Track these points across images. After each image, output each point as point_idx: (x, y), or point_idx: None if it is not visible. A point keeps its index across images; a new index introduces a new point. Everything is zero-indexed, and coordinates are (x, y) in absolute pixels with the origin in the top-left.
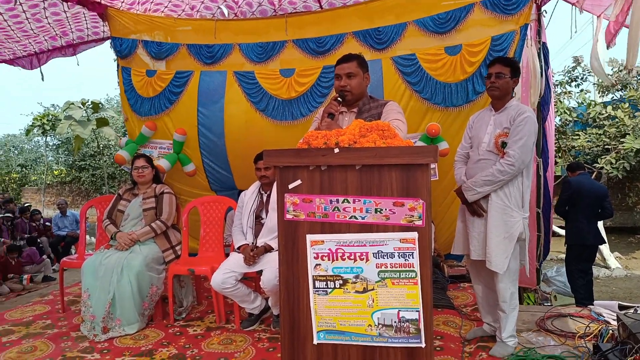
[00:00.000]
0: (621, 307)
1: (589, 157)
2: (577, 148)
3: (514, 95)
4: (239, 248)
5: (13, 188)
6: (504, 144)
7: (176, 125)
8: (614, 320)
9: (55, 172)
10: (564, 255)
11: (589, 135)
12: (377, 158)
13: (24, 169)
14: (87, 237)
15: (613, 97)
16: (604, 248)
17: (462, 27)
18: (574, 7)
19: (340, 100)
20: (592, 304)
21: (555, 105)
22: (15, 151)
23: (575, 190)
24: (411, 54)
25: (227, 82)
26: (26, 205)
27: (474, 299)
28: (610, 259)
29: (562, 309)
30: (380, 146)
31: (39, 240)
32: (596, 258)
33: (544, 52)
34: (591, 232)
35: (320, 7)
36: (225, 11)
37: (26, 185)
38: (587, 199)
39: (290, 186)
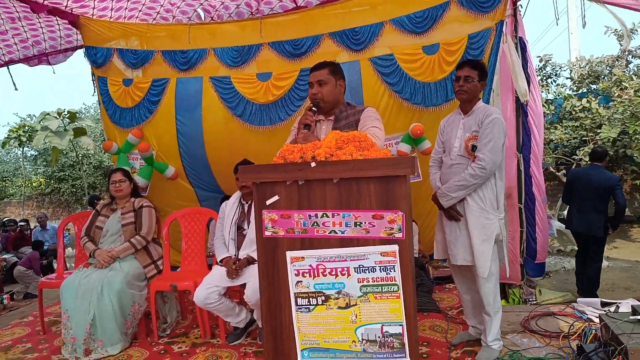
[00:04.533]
0: (603, 304)
1: (567, 149)
2: (555, 141)
3: (492, 91)
4: (221, 261)
5: None
6: (474, 148)
7: (157, 135)
8: (597, 318)
9: (34, 184)
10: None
11: (566, 128)
12: (354, 171)
13: (2, 182)
14: (70, 249)
15: (587, 89)
16: None
17: (439, 25)
18: None
19: (315, 109)
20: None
21: None
22: None
23: (569, 181)
24: (389, 54)
25: (204, 88)
26: (5, 220)
27: (459, 301)
28: None
29: (547, 308)
30: (357, 159)
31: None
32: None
33: (521, 46)
34: (581, 221)
35: (297, 6)
36: (202, 14)
37: (5, 199)
38: (580, 190)
39: (268, 202)
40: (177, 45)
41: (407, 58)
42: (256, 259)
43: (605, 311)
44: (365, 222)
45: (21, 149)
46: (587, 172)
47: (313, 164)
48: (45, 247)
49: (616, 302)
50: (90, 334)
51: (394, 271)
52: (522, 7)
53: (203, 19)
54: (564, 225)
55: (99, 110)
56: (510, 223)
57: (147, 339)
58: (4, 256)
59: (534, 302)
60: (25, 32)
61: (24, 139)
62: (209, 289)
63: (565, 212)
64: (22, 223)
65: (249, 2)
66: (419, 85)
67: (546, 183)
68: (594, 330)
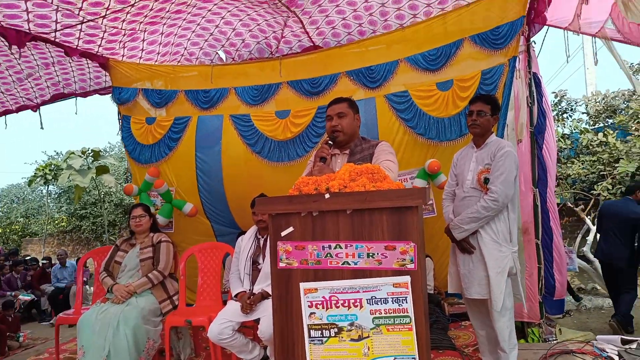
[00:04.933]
0: (624, 342)
1: (585, 184)
2: (572, 176)
3: (506, 126)
4: (236, 296)
5: (14, 239)
6: (486, 180)
7: (176, 172)
8: (616, 355)
9: (57, 221)
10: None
11: (583, 163)
12: (366, 202)
13: (26, 220)
14: (87, 287)
15: (604, 124)
16: None
17: (453, 62)
18: (565, 31)
19: (331, 143)
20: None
21: None
22: (18, 201)
23: (599, 212)
24: (404, 91)
25: (224, 126)
26: (27, 258)
27: (475, 339)
28: None
29: (565, 345)
30: (369, 190)
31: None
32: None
33: (535, 81)
34: (612, 252)
35: (314, 45)
36: (223, 56)
37: (27, 236)
38: (608, 222)
39: (283, 234)
40: (200, 85)
41: (421, 94)
42: (270, 293)
43: (624, 348)
44: (377, 253)
45: (46, 187)
46: (616, 205)
47: (327, 196)
48: (63, 285)
49: (637, 339)
50: None
51: (406, 302)
52: (535, 43)
53: (225, 60)
54: (584, 262)
55: (123, 149)
56: (528, 259)
57: None
58: (22, 296)
59: (554, 341)
60: (57, 75)
61: (50, 177)
62: (222, 324)
63: (584, 249)
64: (44, 261)
65: (268, 42)
66: (433, 121)
67: (564, 219)
68: None
